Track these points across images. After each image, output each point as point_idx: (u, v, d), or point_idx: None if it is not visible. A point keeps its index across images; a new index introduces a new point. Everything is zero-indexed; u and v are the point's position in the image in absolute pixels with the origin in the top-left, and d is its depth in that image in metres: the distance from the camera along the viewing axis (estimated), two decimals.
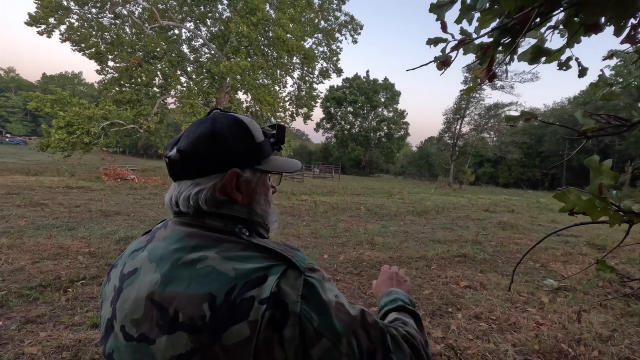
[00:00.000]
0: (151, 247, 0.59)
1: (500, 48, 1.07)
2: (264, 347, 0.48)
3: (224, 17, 20.83)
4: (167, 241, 0.58)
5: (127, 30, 19.13)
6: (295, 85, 24.65)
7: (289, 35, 18.45)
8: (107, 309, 0.59)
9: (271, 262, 0.54)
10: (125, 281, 0.57)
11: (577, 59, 1.10)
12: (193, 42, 22.28)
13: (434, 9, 1.07)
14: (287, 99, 24.72)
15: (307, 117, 24.99)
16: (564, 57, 1.10)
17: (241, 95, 22.20)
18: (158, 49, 18.69)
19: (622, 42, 0.98)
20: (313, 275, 0.55)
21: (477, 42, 1.08)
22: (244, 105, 22.40)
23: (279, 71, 21.66)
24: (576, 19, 0.98)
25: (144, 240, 0.63)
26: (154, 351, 0.50)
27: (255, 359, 0.48)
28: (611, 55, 1.54)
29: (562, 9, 0.96)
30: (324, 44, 23.86)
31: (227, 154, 0.60)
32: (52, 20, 16.11)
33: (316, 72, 23.98)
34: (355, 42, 24.63)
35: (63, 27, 16.73)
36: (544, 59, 1.09)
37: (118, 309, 0.55)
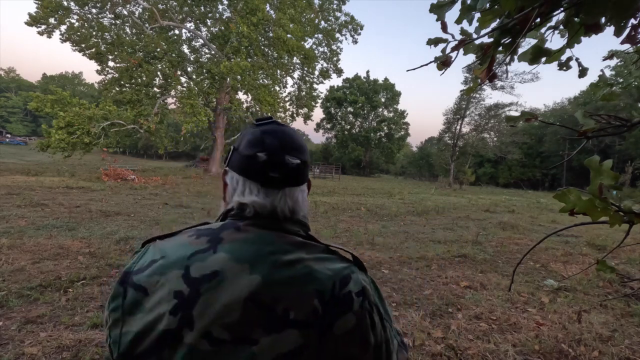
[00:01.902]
0: (229, 248, 0.56)
1: (500, 48, 1.07)
2: (366, 331, 0.57)
3: (224, 17, 20.85)
4: (254, 243, 0.58)
5: (127, 30, 19.16)
6: (295, 85, 24.68)
7: (289, 35, 18.47)
8: (155, 320, 0.52)
9: (346, 262, 0.62)
10: (203, 285, 0.53)
11: (577, 59, 1.10)
12: (193, 42, 22.31)
13: (434, 9, 1.07)
14: (287, 99, 24.77)
15: (307, 117, 25.00)
16: (564, 57, 1.10)
17: (241, 95, 22.24)
18: (158, 49, 18.70)
19: (622, 42, 0.98)
20: (368, 274, 0.66)
21: (477, 42, 1.08)
22: (244, 105, 22.42)
23: (279, 71, 21.68)
24: (576, 19, 0.98)
25: (200, 242, 0.57)
26: (255, 352, 0.51)
27: (360, 343, 0.56)
28: (611, 55, 1.54)
29: (562, 9, 0.96)
30: (324, 44, 23.88)
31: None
32: (52, 20, 16.14)
33: (316, 72, 24.01)
34: (355, 42, 24.67)
35: (63, 27, 16.77)
36: (544, 59, 1.09)
37: (198, 315, 0.51)
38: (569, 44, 1.05)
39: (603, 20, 0.92)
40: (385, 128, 51.22)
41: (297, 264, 0.56)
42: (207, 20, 21.20)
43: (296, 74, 24.04)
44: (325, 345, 0.52)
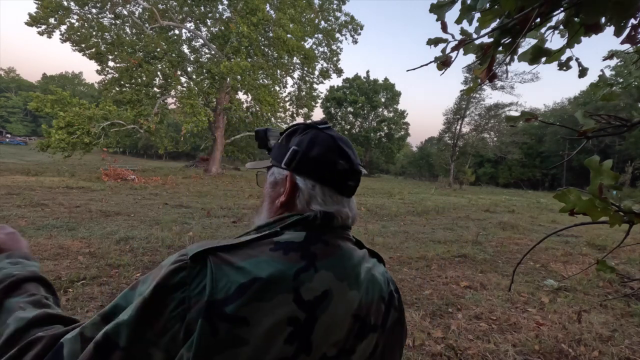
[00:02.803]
0: (327, 264, 0.54)
1: (500, 48, 1.07)
2: (404, 321, 0.70)
3: (224, 17, 20.85)
4: (344, 257, 0.58)
5: (127, 30, 19.16)
6: (295, 85, 24.69)
7: (289, 35, 18.47)
8: (266, 350, 0.46)
9: (379, 262, 0.71)
10: (317, 308, 0.50)
11: (577, 59, 1.10)
12: (193, 42, 22.31)
13: (434, 9, 1.07)
14: (287, 99, 24.78)
15: (307, 117, 24.98)
16: (564, 57, 1.10)
17: (241, 95, 22.24)
18: (158, 49, 18.70)
19: (622, 42, 0.98)
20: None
21: (477, 42, 1.08)
22: (244, 105, 22.42)
23: (279, 71, 21.69)
24: (576, 19, 0.99)
25: (295, 259, 0.51)
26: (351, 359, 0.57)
27: (402, 333, 0.69)
28: (611, 55, 1.54)
29: (562, 9, 0.96)
30: (324, 44, 23.88)
31: None
32: (52, 20, 16.14)
33: (316, 72, 24.02)
34: (355, 42, 24.66)
35: (63, 27, 16.77)
36: (544, 59, 1.09)
37: (317, 339, 0.49)
38: (569, 44, 1.05)
39: (603, 20, 0.93)
40: (385, 128, 51.21)
41: (368, 273, 0.62)
42: (207, 20, 21.21)
43: (296, 74, 24.05)
44: (379, 342, 0.62)
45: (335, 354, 0.53)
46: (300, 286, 0.49)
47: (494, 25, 1.06)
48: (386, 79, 50.81)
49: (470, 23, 1.08)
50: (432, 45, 1.08)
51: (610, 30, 0.94)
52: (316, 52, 23.30)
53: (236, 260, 0.48)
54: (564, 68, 1.13)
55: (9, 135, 56.16)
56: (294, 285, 0.49)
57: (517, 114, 1.29)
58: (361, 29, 24.01)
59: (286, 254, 0.51)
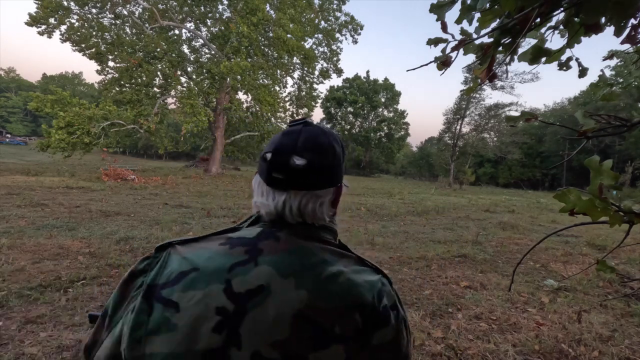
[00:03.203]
0: (270, 260, 0.54)
1: (500, 48, 1.07)
2: (400, 344, 0.57)
3: (224, 17, 20.85)
4: (298, 255, 0.56)
5: (127, 30, 19.16)
6: (295, 85, 24.68)
7: (289, 35, 18.47)
8: (195, 338, 0.48)
9: (377, 274, 0.60)
10: (249, 301, 0.50)
11: (577, 59, 1.10)
12: (193, 42, 22.31)
13: (434, 9, 1.07)
14: (287, 99, 24.77)
15: (307, 117, 24.97)
16: (564, 57, 1.10)
17: (241, 95, 22.24)
18: (158, 49, 18.70)
19: (622, 42, 0.98)
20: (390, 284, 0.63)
21: (477, 42, 1.08)
22: (244, 105, 22.43)
23: (279, 71, 21.69)
24: (576, 19, 0.98)
25: (238, 252, 0.54)
26: None
27: (394, 356, 0.56)
28: (611, 55, 1.54)
29: (562, 9, 0.96)
30: (324, 44, 23.88)
31: (341, 168, 0.63)
32: (52, 20, 16.13)
33: (316, 72, 24.01)
34: (355, 42, 24.66)
35: (63, 27, 16.77)
36: (544, 59, 1.09)
37: (246, 333, 0.49)
38: (569, 44, 1.05)
39: (603, 20, 0.92)
40: (385, 128, 51.21)
41: (339, 277, 0.54)
42: (207, 20, 21.20)
43: (296, 74, 24.04)
44: (362, 357, 0.51)
45: (279, 357, 0.48)
46: (232, 278, 0.51)
47: (494, 25, 1.06)
48: (386, 79, 50.82)
49: (470, 23, 1.08)
50: (432, 45, 1.08)
51: (610, 30, 0.94)
52: (316, 52, 23.30)
53: (187, 252, 0.55)
54: (564, 68, 1.13)
55: (9, 135, 56.15)
56: (227, 277, 0.51)
57: (517, 114, 1.29)
58: (361, 29, 24.01)
59: (232, 248, 0.55)
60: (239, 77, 17.49)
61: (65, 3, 16.19)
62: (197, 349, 0.48)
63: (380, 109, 51.42)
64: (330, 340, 0.50)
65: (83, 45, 17.66)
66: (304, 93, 24.57)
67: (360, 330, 0.51)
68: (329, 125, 53.88)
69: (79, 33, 17.19)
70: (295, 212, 0.58)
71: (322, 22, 23.10)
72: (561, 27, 1.06)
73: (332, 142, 0.61)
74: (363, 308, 0.53)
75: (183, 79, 21.06)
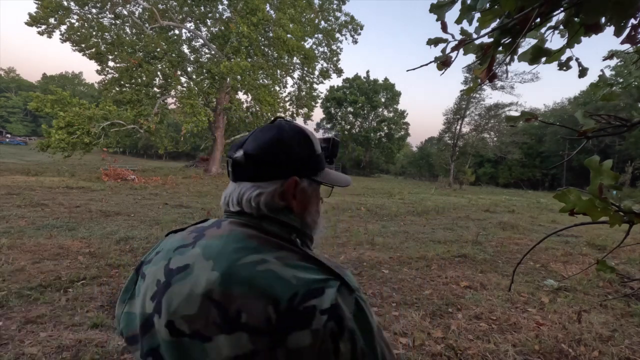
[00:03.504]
0: (204, 243, 0.58)
1: (500, 48, 1.07)
2: (323, 356, 0.50)
3: (224, 17, 20.85)
4: (225, 240, 0.58)
5: (127, 30, 19.16)
6: (295, 85, 24.68)
7: (289, 35, 18.46)
8: (143, 304, 0.58)
9: (327, 275, 0.55)
10: (174, 276, 0.56)
11: (577, 59, 1.10)
12: (193, 42, 22.31)
13: (434, 9, 1.07)
14: (287, 99, 24.77)
15: (307, 117, 24.99)
16: (564, 57, 1.10)
17: (241, 95, 22.25)
18: (158, 49, 18.70)
19: (622, 42, 0.98)
20: (362, 296, 0.56)
21: (477, 42, 1.08)
22: (244, 105, 22.43)
23: (279, 71, 21.69)
24: (576, 19, 0.98)
25: (189, 237, 0.61)
26: (207, 349, 0.51)
27: None
28: (611, 55, 1.54)
29: (562, 9, 0.96)
30: (324, 44, 23.88)
31: (290, 162, 0.63)
32: (52, 20, 16.14)
33: (316, 72, 24.01)
34: (355, 42, 24.66)
35: (63, 27, 16.78)
36: (544, 59, 1.09)
37: (165, 303, 0.54)
38: (569, 44, 1.05)
39: (603, 20, 0.92)
40: (385, 128, 51.19)
41: (259, 265, 0.53)
42: (207, 20, 21.20)
43: (296, 74, 24.04)
44: (277, 357, 0.49)
45: (188, 331, 0.52)
46: (173, 257, 0.59)
47: (494, 25, 1.06)
48: (386, 79, 50.80)
49: (470, 23, 1.08)
50: (432, 45, 1.08)
51: (610, 30, 0.94)
52: (316, 52, 23.30)
53: (169, 237, 0.67)
54: (564, 68, 1.13)
55: (9, 135, 56.13)
56: (170, 256, 0.60)
57: (517, 114, 1.29)
58: (361, 29, 24.01)
59: (189, 234, 0.63)
60: (239, 77, 17.49)
61: (65, 3, 16.19)
62: (142, 312, 0.58)
63: (380, 109, 51.40)
64: (235, 326, 0.50)
65: (83, 45, 17.67)
66: (304, 93, 24.57)
67: (272, 325, 0.49)
68: (328, 126, 53.89)
69: (79, 33, 17.19)
70: (235, 202, 0.63)
71: (322, 22, 23.10)
72: (561, 27, 1.06)
73: (283, 137, 0.63)
74: (277, 302, 0.50)
75: (183, 79, 21.07)
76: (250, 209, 0.62)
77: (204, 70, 19.87)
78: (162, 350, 0.54)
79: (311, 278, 0.53)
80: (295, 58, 21.20)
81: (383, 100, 50.81)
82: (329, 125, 54.00)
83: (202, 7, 20.19)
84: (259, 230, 0.61)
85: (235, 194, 0.63)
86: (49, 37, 16.58)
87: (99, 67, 19.30)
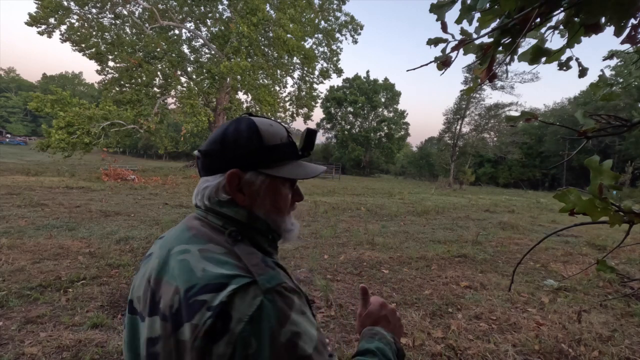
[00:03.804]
0: (166, 234, 0.67)
1: (500, 48, 1.07)
2: (197, 354, 0.47)
3: (224, 17, 20.86)
4: (175, 231, 0.65)
5: (127, 30, 19.16)
6: (295, 85, 24.68)
7: (289, 35, 18.46)
8: (136, 282, 0.66)
9: (239, 272, 0.52)
10: (143, 261, 0.65)
11: (577, 59, 1.10)
12: (193, 42, 22.32)
13: (434, 9, 1.07)
14: (287, 99, 24.78)
15: (307, 117, 24.99)
16: (564, 57, 1.10)
17: (241, 95, 22.26)
18: (158, 49, 18.71)
19: (622, 42, 0.98)
20: (275, 298, 0.49)
21: (477, 42, 1.08)
22: (244, 105, 22.43)
23: (279, 71, 21.70)
24: (576, 19, 0.98)
25: (170, 230, 0.69)
26: (141, 328, 0.57)
27: None
28: (611, 55, 1.54)
29: (562, 9, 0.96)
30: (324, 44, 23.87)
31: (230, 155, 0.63)
32: (52, 20, 16.13)
33: (316, 72, 24.00)
34: (355, 42, 24.66)
35: (63, 27, 16.77)
36: (544, 59, 1.09)
37: (133, 284, 0.64)
38: (569, 44, 1.05)
39: (603, 20, 0.92)
40: (385, 128, 51.18)
41: (180, 255, 0.56)
42: (207, 20, 21.21)
43: (296, 74, 24.05)
44: (171, 347, 0.50)
45: (138, 312, 0.59)
46: (152, 246, 0.68)
47: (494, 25, 1.06)
48: (386, 79, 50.81)
49: (470, 23, 1.08)
50: (432, 45, 1.07)
51: (610, 30, 0.94)
52: (316, 52, 23.29)
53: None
54: (564, 68, 1.13)
55: (9, 135, 56.08)
56: (153, 245, 0.68)
57: (517, 114, 1.29)
58: (361, 29, 24.00)
59: (174, 228, 0.68)
60: (239, 77, 17.49)
61: (65, 3, 16.19)
62: (132, 288, 0.64)
63: (380, 109, 51.39)
64: (154, 310, 0.54)
65: (83, 45, 17.66)
66: (304, 93, 24.56)
67: (173, 313, 0.50)
68: (328, 126, 53.90)
69: (79, 33, 17.19)
70: (193, 197, 0.68)
71: (322, 22, 23.09)
72: (561, 27, 1.06)
73: (227, 131, 0.64)
74: (179, 292, 0.51)
75: (183, 79, 21.07)
76: (201, 202, 0.66)
77: (204, 70, 19.87)
78: (125, 324, 0.63)
79: (217, 273, 0.51)
80: (295, 58, 21.20)
81: (383, 100, 50.81)
82: (329, 125, 53.99)
83: (202, 7, 20.19)
84: (202, 222, 0.64)
85: (195, 189, 0.68)
86: (49, 37, 16.58)
87: (99, 67, 19.30)
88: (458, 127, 34.38)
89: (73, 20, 16.89)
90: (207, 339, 0.47)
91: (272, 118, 0.76)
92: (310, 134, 0.69)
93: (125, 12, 18.44)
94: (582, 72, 1.13)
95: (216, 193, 0.64)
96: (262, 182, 0.65)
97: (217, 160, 0.64)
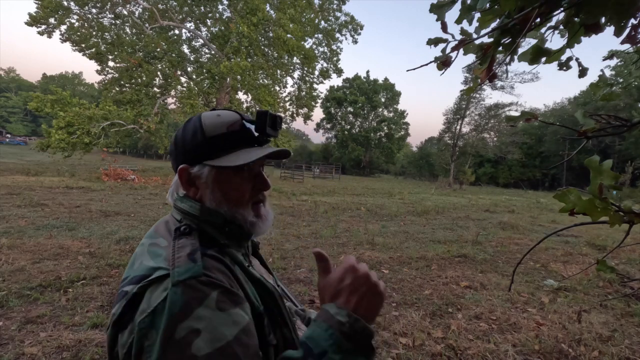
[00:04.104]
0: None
1: (500, 48, 1.07)
2: (109, 342, 0.53)
3: (224, 17, 20.83)
4: (155, 226, 0.69)
5: (127, 30, 19.13)
6: (295, 85, 24.64)
7: (289, 35, 18.44)
8: None
9: (164, 264, 0.53)
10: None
11: (577, 59, 1.10)
12: (193, 42, 22.28)
13: (434, 9, 1.06)
14: (287, 99, 24.72)
15: (307, 117, 24.97)
16: (564, 57, 1.10)
17: (241, 95, 22.21)
18: (158, 49, 18.69)
19: (622, 42, 0.98)
20: (182, 291, 0.49)
21: (477, 42, 1.08)
22: (244, 105, 22.41)
23: (279, 71, 21.66)
24: (576, 19, 0.98)
25: None
26: None
27: (108, 347, 0.54)
28: (611, 55, 1.54)
29: (562, 9, 0.96)
30: (324, 44, 23.84)
31: (180, 152, 0.67)
32: (52, 20, 16.11)
33: (316, 72, 23.95)
34: (355, 42, 24.61)
35: (63, 27, 16.73)
36: (544, 59, 1.09)
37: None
38: (569, 44, 1.04)
39: (603, 20, 0.92)
40: (385, 128, 51.21)
41: (138, 248, 0.62)
42: (207, 20, 21.18)
43: (296, 74, 24.00)
44: (113, 335, 0.54)
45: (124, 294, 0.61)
46: None
47: (494, 25, 1.06)
48: (386, 79, 50.83)
49: (470, 23, 1.08)
50: (432, 45, 1.07)
51: (610, 30, 0.94)
52: (316, 52, 23.25)
53: None
54: (564, 68, 1.13)
55: (9, 135, 56.08)
56: None
57: (517, 114, 1.29)
58: (361, 29, 23.97)
59: None
60: (239, 77, 17.47)
61: (65, 3, 16.17)
62: None
63: (380, 109, 51.41)
64: (121, 297, 0.54)
65: (83, 45, 17.64)
66: (304, 93, 24.53)
67: (118, 300, 0.54)
68: (328, 126, 53.88)
69: (79, 33, 17.16)
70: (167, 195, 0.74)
71: (322, 22, 23.05)
72: (561, 27, 1.06)
73: (179, 131, 0.69)
74: (124, 281, 0.56)
75: (183, 79, 21.05)
76: (170, 199, 0.72)
77: (204, 70, 19.85)
78: None
79: (147, 265, 0.54)
80: (295, 58, 21.16)
81: (383, 100, 50.83)
82: (329, 125, 54.01)
83: (202, 7, 20.17)
84: (170, 217, 0.68)
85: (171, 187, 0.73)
86: (49, 37, 16.56)
87: (99, 67, 19.27)
88: (458, 127, 34.39)
89: (73, 20, 16.87)
90: (116, 328, 0.51)
91: (233, 108, 0.72)
92: (259, 115, 0.66)
93: (125, 12, 18.43)
94: (582, 72, 1.13)
95: (176, 189, 0.70)
96: (208, 173, 0.65)
97: (174, 159, 0.69)
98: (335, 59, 24.34)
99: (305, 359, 0.49)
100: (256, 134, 0.66)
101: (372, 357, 0.51)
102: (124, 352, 0.49)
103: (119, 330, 0.51)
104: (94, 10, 17.44)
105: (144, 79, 19.06)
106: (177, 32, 20.98)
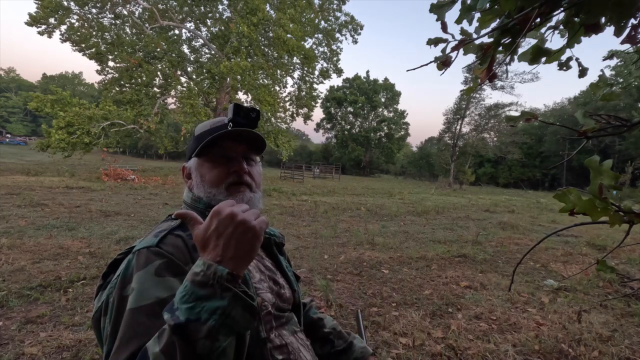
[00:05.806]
0: None
1: (500, 48, 1.07)
2: (95, 303, 0.65)
3: (224, 17, 20.83)
4: None
5: (127, 30, 19.13)
6: (295, 85, 24.63)
7: (289, 35, 18.43)
8: None
9: (148, 238, 0.66)
10: None
11: (577, 59, 1.10)
12: (193, 42, 22.29)
13: (434, 9, 1.06)
14: (287, 99, 24.71)
15: (307, 117, 24.97)
16: (564, 57, 1.10)
17: (241, 95, 22.19)
18: (158, 49, 18.69)
19: (622, 42, 0.98)
20: (136, 258, 0.61)
21: (477, 42, 1.08)
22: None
23: (279, 71, 21.66)
24: (576, 19, 0.98)
25: None
26: None
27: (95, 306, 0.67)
28: (611, 55, 1.54)
29: (562, 9, 0.96)
30: (324, 44, 23.83)
31: (187, 154, 0.82)
32: (52, 20, 16.11)
33: (316, 72, 23.94)
34: (355, 42, 24.61)
35: (63, 27, 16.73)
36: (544, 59, 1.08)
37: None
38: (569, 44, 1.04)
39: (603, 20, 0.92)
40: (385, 128, 51.21)
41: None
42: (207, 20, 21.17)
43: (296, 74, 24.00)
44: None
45: None
46: None
47: (494, 25, 1.06)
48: (386, 79, 50.83)
49: (470, 23, 1.08)
50: (432, 45, 1.07)
51: (610, 30, 0.94)
52: (316, 52, 23.25)
53: None
54: (564, 68, 1.13)
55: (9, 135, 56.05)
56: None
57: (517, 114, 1.29)
58: (361, 29, 23.97)
59: None
60: (239, 77, 17.47)
61: (65, 3, 16.16)
62: None
63: (380, 109, 51.41)
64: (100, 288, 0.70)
65: (83, 45, 17.64)
66: (304, 93, 24.52)
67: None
68: (328, 126, 53.91)
69: (79, 33, 17.16)
70: None
71: (322, 22, 23.05)
72: (561, 27, 1.06)
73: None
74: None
75: (183, 79, 21.04)
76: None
77: (204, 70, 19.85)
78: None
79: (139, 242, 0.66)
80: (295, 58, 21.16)
81: (383, 100, 50.83)
82: (329, 125, 54.01)
83: (202, 7, 20.16)
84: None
85: None
86: (49, 37, 16.55)
87: (99, 67, 19.27)
88: (458, 127, 34.38)
89: (73, 20, 16.87)
90: (97, 290, 0.65)
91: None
92: (234, 106, 0.76)
93: (125, 12, 18.42)
94: (582, 72, 1.13)
95: (184, 183, 0.84)
96: (192, 164, 0.79)
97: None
98: (335, 59, 24.33)
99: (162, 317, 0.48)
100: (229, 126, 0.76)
101: (239, 299, 0.47)
102: (98, 306, 0.62)
103: (98, 291, 0.65)
104: (94, 10, 17.44)
105: (144, 79, 19.06)
106: (177, 32, 20.98)
